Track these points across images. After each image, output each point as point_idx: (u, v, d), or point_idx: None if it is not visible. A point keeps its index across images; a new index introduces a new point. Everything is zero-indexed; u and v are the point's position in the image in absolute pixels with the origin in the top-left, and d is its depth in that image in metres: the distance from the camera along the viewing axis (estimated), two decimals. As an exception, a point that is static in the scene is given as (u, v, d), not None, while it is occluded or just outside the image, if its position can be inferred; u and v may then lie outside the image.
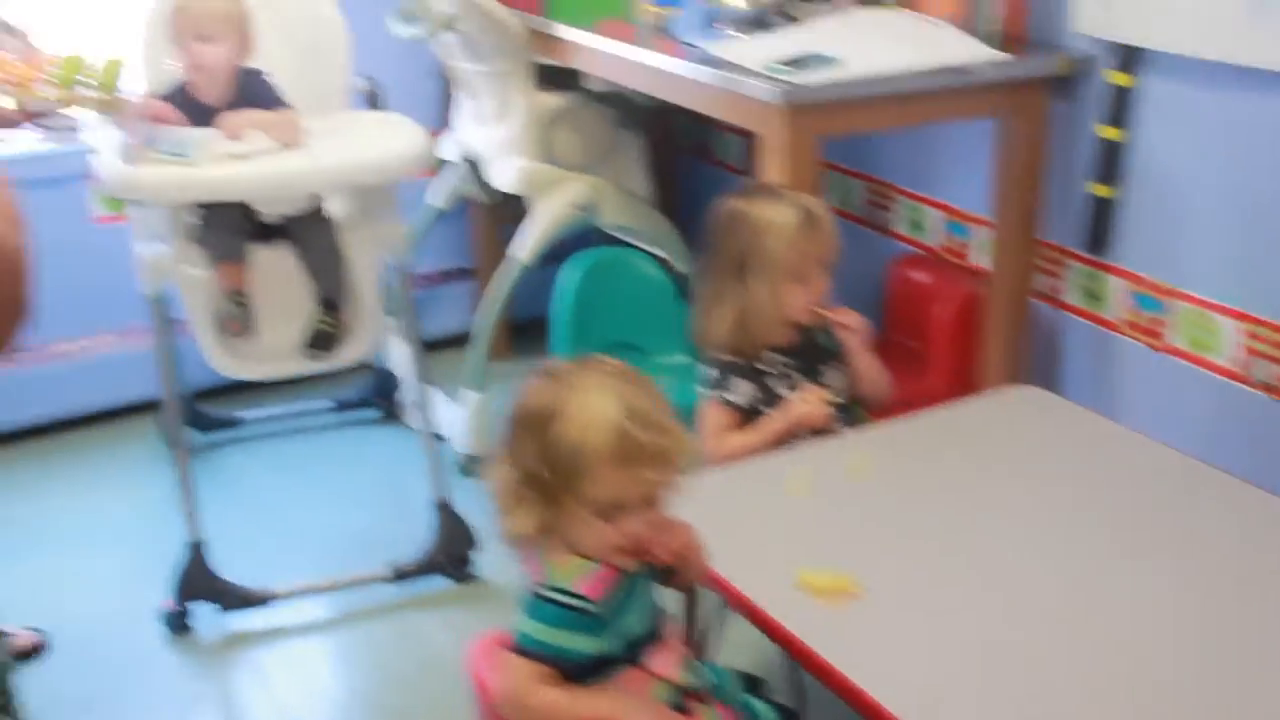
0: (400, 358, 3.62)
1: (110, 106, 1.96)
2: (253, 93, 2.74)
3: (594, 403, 1.52)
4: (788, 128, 2.45)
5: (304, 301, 2.77)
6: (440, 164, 3.74)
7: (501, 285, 3.37)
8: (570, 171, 3.40)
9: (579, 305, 3.21)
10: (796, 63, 2.50)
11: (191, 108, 2.74)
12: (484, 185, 3.58)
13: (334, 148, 2.67)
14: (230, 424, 3.63)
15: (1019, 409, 2.36)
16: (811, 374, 2.32)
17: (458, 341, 3.98)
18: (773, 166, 2.51)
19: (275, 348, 2.74)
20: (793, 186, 2.43)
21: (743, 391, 2.29)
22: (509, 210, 3.66)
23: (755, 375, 2.29)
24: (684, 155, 4.09)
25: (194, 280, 2.70)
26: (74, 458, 3.57)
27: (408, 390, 3.65)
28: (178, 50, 2.74)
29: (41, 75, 1.80)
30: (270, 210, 2.73)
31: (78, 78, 1.83)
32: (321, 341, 2.75)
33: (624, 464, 1.51)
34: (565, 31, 3.17)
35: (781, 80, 2.44)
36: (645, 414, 1.52)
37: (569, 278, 3.24)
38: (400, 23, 3.35)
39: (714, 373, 2.31)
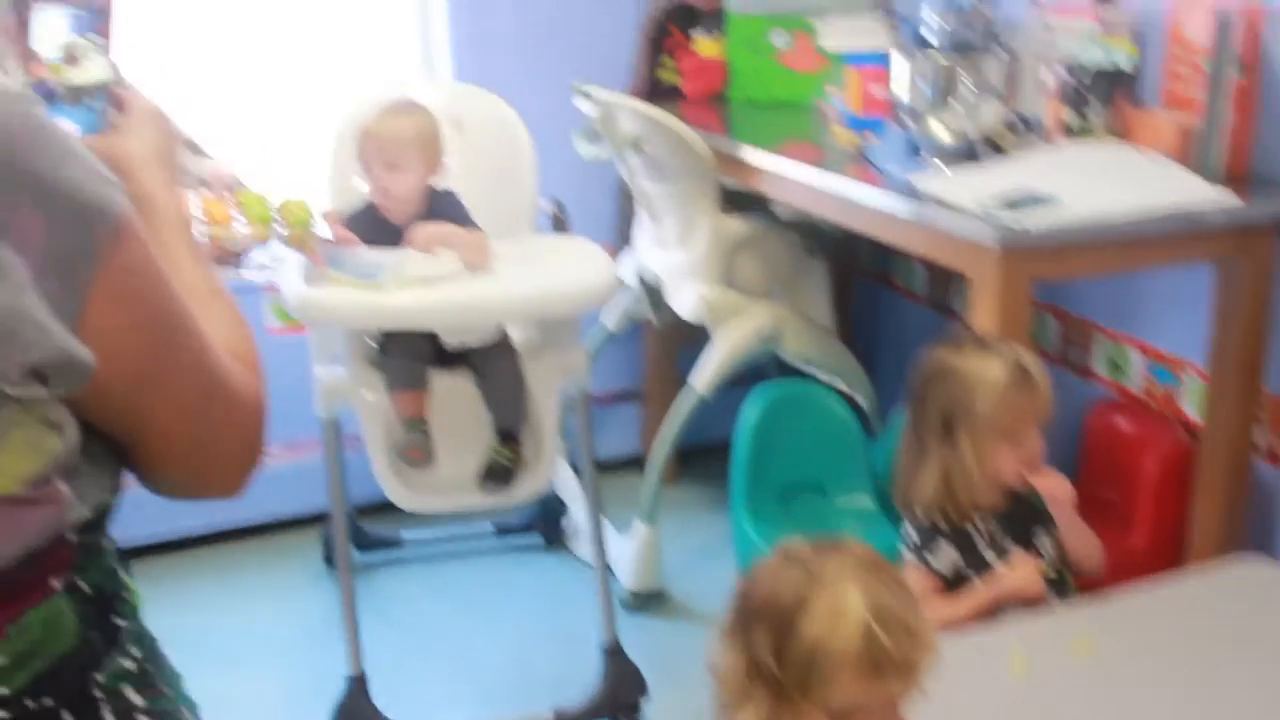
0: (568, 483, 3.52)
1: (302, 243, 1.91)
2: (443, 213, 2.68)
3: (840, 600, 1.38)
4: (1003, 271, 2.31)
5: (482, 432, 2.68)
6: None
7: (677, 416, 3.25)
8: (752, 299, 3.29)
9: (759, 441, 3.08)
10: (1012, 202, 2.35)
11: (379, 228, 2.69)
12: (659, 308, 3.49)
13: (525, 275, 2.60)
14: (391, 544, 3.55)
15: (1248, 583, 2.16)
16: (1023, 540, 2.15)
17: (623, 466, 3.89)
18: (983, 312, 2.36)
19: (452, 480, 2.65)
20: (1004, 333, 2.28)
21: (947, 557, 2.12)
22: (682, 333, 3.56)
23: (962, 540, 2.13)
24: (863, 280, 3.95)
25: (372, 406, 2.62)
26: (234, 570, 3.52)
27: (574, 517, 3.54)
28: (365, 174, 2.70)
29: (235, 212, 1.77)
30: (455, 338, 2.65)
31: (271, 216, 1.79)
32: (498, 475, 2.65)
33: (868, 673, 1.37)
34: (752, 155, 3.07)
35: (999, 222, 2.29)
36: (895, 616, 1.38)
37: (749, 413, 3.11)
38: (584, 142, 3.29)
39: (916, 535, 2.15)
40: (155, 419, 1.05)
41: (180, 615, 3.24)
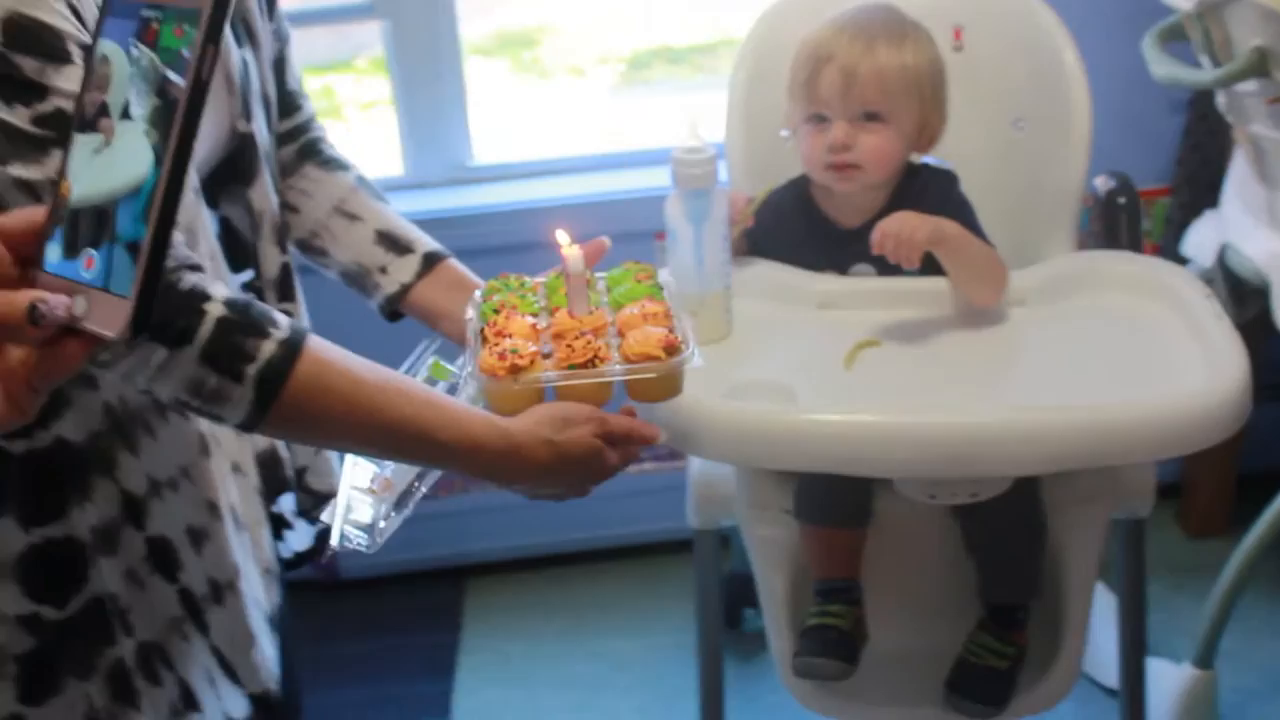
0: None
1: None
2: (927, 207, 1.52)
3: None
4: None
5: (959, 605, 1.56)
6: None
7: (1278, 513, 2.01)
8: None
9: None
10: None
11: (813, 228, 1.59)
12: (1245, 305, 2.22)
13: (1072, 364, 1.40)
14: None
15: None
16: None
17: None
18: None
19: (894, 678, 1.55)
20: None
21: None
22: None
23: None
24: None
25: (771, 545, 1.55)
26: (588, 601, 2.62)
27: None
28: (803, 127, 1.58)
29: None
30: (938, 495, 1.47)
31: None
32: (981, 684, 1.53)
33: None
34: None
35: None
36: None
37: None
38: (1159, 53, 2.02)
39: None
40: None
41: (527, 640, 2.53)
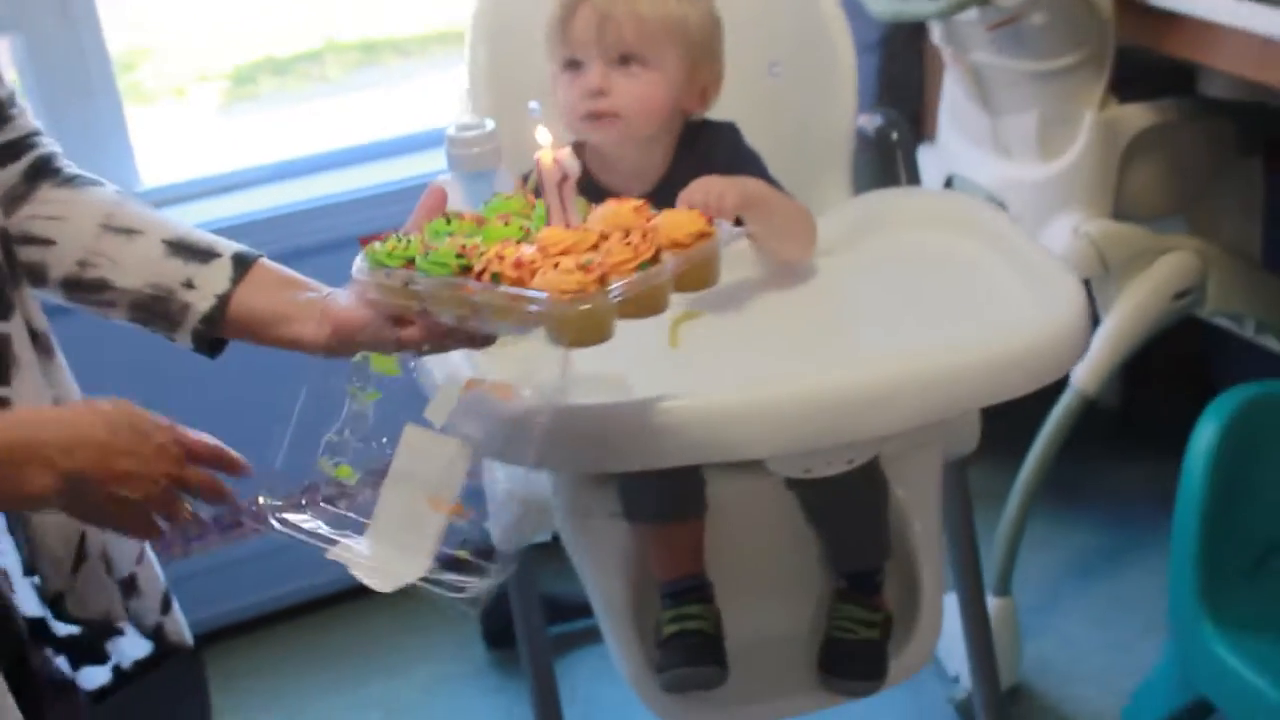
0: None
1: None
2: (716, 163, 1.40)
3: None
4: None
5: (811, 579, 1.46)
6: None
7: (1052, 432, 2.02)
8: (1153, 231, 2.03)
9: (1219, 478, 1.82)
10: None
11: (590, 200, 1.45)
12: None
13: (903, 313, 1.33)
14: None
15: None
16: None
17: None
18: None
19: (761, 670, 1.44)
20: None
21: None
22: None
23: None
24: None
25: (604, 554, 1.41)
26: (357, 646, 2.40)
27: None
28: (560, 70, 1.44)
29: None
30: (790, 469, 1.36)
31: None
32: (853, 658, 1.43)
33: None
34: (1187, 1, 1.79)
35: None
36: None
37: (1205, 432, 1.85)
38: (877, -9, 1.98)
39: None
40: None
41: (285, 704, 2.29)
